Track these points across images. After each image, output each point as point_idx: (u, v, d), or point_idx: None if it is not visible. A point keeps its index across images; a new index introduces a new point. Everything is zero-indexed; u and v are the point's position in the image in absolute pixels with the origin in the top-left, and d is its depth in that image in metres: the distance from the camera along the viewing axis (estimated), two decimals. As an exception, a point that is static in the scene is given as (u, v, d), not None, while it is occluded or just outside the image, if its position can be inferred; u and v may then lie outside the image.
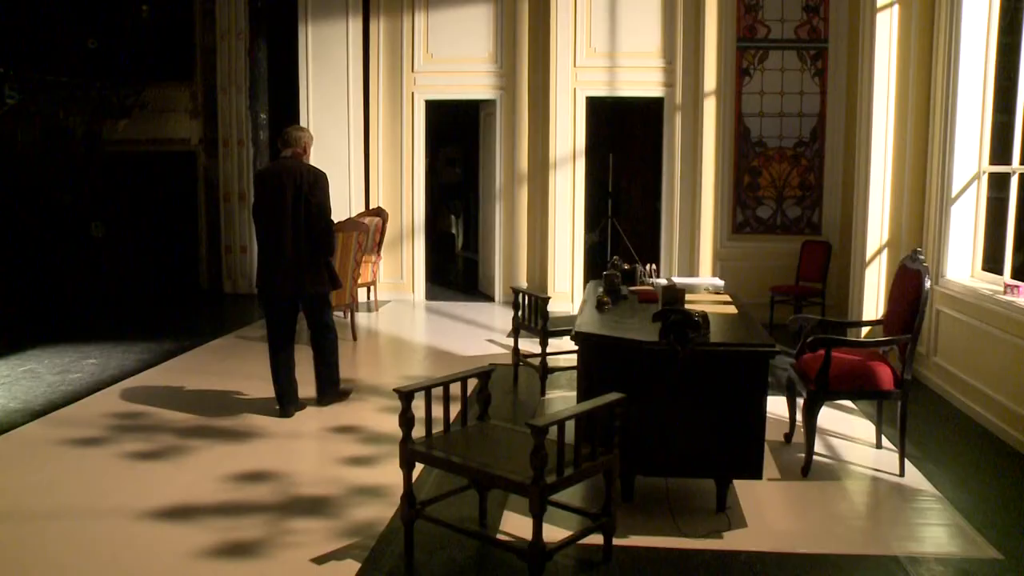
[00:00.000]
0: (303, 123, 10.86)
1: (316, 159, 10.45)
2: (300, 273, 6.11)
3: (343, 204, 10.89)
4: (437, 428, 4.26)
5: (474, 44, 10.81)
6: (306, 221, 6.05)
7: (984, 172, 7.01)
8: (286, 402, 6.31)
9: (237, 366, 7.82)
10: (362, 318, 9.88)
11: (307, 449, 5.73)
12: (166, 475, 5.18)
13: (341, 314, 9.34)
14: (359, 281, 9.46)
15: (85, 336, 8.95)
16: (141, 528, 4.43)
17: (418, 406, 4.08)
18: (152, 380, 7.35)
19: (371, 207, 10.98)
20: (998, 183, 6.99)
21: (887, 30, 7.63)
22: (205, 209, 12.17)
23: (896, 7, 7.59)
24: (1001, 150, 6.81)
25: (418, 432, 4.14)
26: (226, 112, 11.66)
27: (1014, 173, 6.53)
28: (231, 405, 6.57)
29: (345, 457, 5.51)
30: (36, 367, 7.72)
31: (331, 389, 6.57)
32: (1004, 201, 6.65)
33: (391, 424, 5.53)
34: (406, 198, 11.06)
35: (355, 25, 10.89)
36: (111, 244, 12.00)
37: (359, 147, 11.00)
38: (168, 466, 5.33)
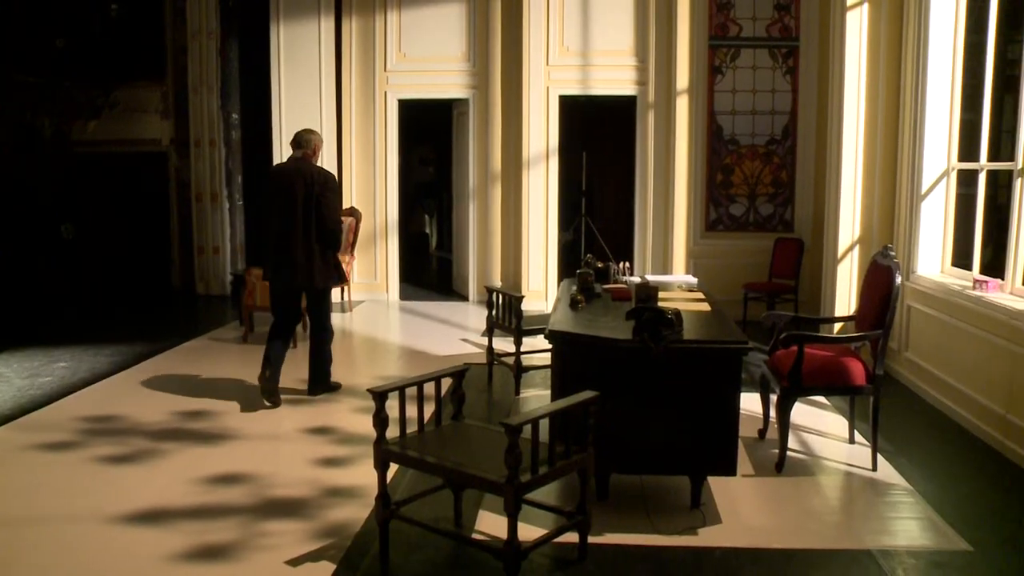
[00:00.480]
0: (275, 122, 10.82)
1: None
2: (310, 267, 6.46)
3: (316, 204, 10.83)
4: (411, 428, 4.25)
5: (447, 43, 10.79)
6: (317, 219, 6.41)
7: (953, 169, 7.08)
8: (267, 392, 6.52)
9: (210, 368, 7.76)
10: (336, 318, 9.81)
11: (281, 450, 5.70)
12: (139, 479, 5.13)
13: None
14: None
15: (55, 339, 8.85)
16: (114, 532, 4.39)
17: (392, 406, 4.07)
18: (124, 383, 7.28)
19: (344, 207, 10.93)
20: (966, 180, 7.06)
21: (857, 29, 7.70)
22: (177, 210, 12.07)
23: (866, 6, 7.66)
24: (969, 147, 6.88)
25: (392, 432, 4.13)
26: (197, 112, 11.57)
27: (982, 170, 6.60)
28: (204, 407, 6.52)
29: (319, 458, 5.48)
30: (5, 371, 7.62)
31: (323, 380, 6.86)
32: (972, 197, 6.72)
33: (365, 424, 5.50)
34: (379, 198, 11.03)
35: (327, 24, 10.84)
36: (81, 246, 11.89)
37: (331, 147, 10.93)
38: (141, 469, 5.28)
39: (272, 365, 6.55)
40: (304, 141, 6.61)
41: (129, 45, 11.85)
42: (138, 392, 6.99)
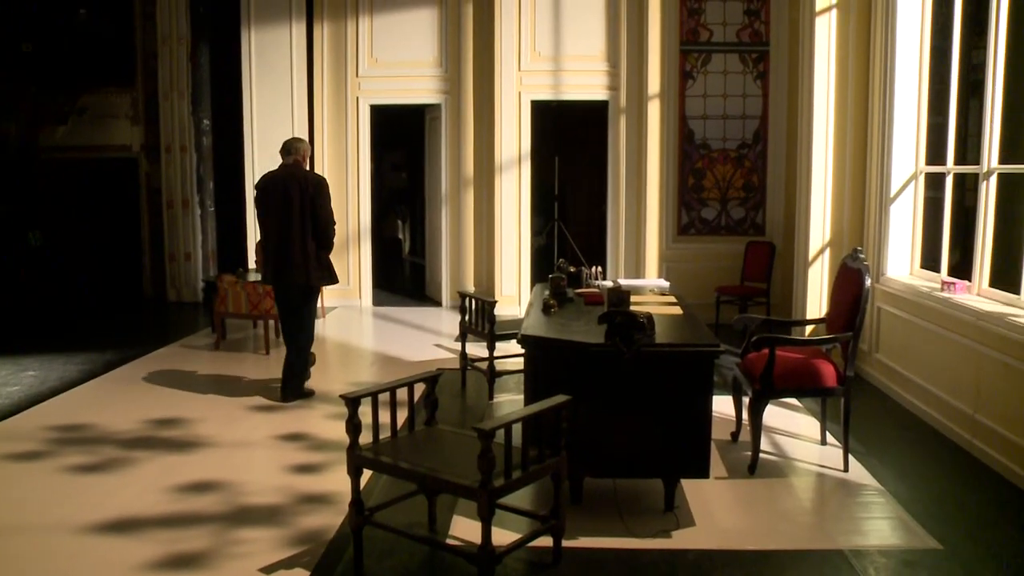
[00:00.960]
0: (246, 128, 10.81)
1: (260, 164, 10.47)
2: (306, 267, 6.75)
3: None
4: (385, 434, 4.25)
5: (419, 49, 10.79)
6: (312, 221, 6.72)
7: (921, 172, 7.16)
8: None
9: (182, 375, 7.70)
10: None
11: (254, 458, 5.67)
12: (110, 488, 5.08)
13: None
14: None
15: (23, 348, 8.75)
16: (84, 543, 4.34)
17: (365, 412, 4.07)
18: (94, 391, 7.22)
19: (317, 213, 10.89)
20: (934, 183, 7.14)
21: (826, 34, 7.76)
22: (148, 217, 11.97)
23: (834, 11, 7.73)
24: (936, 151, 6.96)
25: (365, 438, 4.12)
26: (168, 118, 11.48)
27: (949, 173, 6.68)
28: (176, 415, 6.47)
29: (292, 465, 5.46)
30: (-27, 380, 7.54)
31: (297, 387, 6.94)
32: (940, 200, 6.80)
33: (338, 431, 5.48)
34: (352, 203, 10.99)
35: (299, 30, 10.81)
36: (50, 253, 11.77)
37: (304, 153, 10.90)
38: (111, 479, 5.23)
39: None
40: (293, 148, 6.90)
41: (97, 50, 11.74)
42: (109, 400, 6.93)
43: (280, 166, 6.92)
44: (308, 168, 7.03)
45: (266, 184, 6.88)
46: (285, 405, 6.73)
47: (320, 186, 6.83)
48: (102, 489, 5.06)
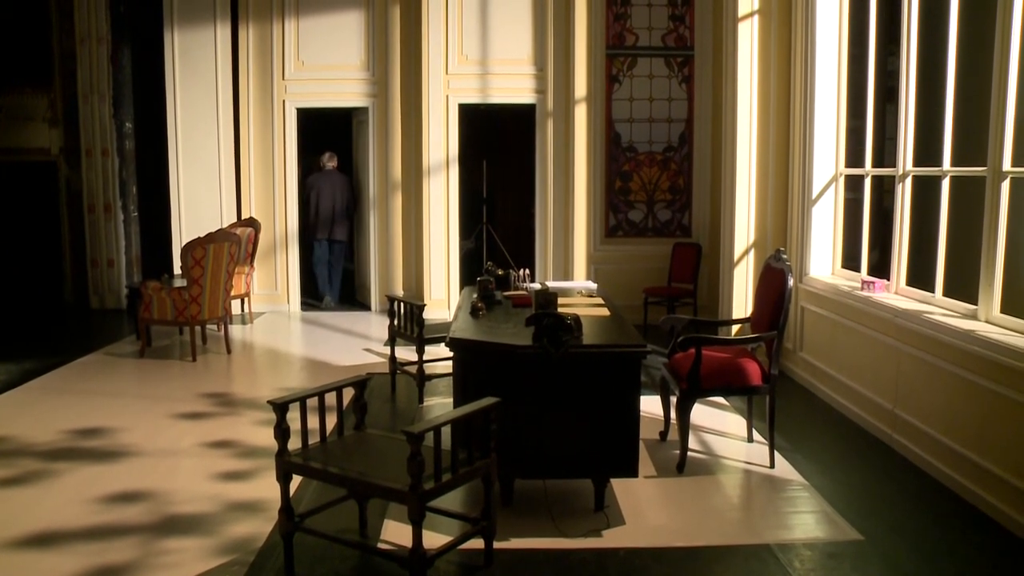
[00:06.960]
0: (170, 132, 10.66)
1: (185, 169, 10.38)
2: (340, 227, 11.13)
3: (214, 215, 10.65)
4: (314, 439, 4.22)
5: (346, 51, 10.72)
6: (342, 202, 11.05)
7: (841, 174, 7.34)
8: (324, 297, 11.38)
9: (105, 384, 7.54)
10: (236, 330, 9.67)
11: (181, 466, 5.57)
12: (29, 501, 4.95)
13: (215, 327, 9.12)
14: (232, 293, 9.26)
15: (-62, 358, 8.49)
16: (3, 559, 4.22)
17: (294, 418, 4.03)
18: (12, 402, 7.02)
19: (243, 217, 10.77)
20: (853, 185, 7.33)
21: (748, 39, 7.90)
22: (69, 222, 11.67)
23: (756, 17, 7.88)
24: (856, 153, 7.14)
25: (294, 444, 4.09)
26: (88, 121, 11.20)
27: (867, 175, 6.86)
28: (99, 424, 6.33)
29: (220, 472, 5.38)
30: None
31: (337, 292, 11.52)
32: (859, 202, 6.98)
33: (267, 437, 5.43)
34: (279, 208, 10.88)
35: (223, 32, 10.66)
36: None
37: (229, 156, 10.77)
38: (32, 491, 5.09)
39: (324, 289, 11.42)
40: (333, 158, 11.10)
41: (11, 49, 11.41)
42: (28, 411, 6.75)
43: (325, 169, 11.08)
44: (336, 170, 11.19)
45: (318, 180, 11.01)
46: (212, 412, 6.64)
47: (348, 181, 11.16)
48: (21, 503, 4.93)
